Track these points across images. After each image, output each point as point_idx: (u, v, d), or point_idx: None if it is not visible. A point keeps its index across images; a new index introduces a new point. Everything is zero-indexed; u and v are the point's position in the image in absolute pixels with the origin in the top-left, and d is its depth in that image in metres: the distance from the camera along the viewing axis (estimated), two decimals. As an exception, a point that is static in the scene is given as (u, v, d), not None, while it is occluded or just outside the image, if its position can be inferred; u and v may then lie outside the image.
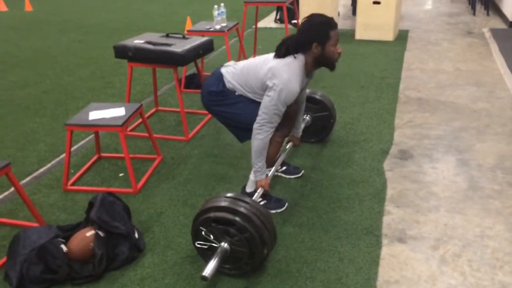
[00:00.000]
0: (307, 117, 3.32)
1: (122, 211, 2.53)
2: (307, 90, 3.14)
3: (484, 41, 5.93)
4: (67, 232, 2.47)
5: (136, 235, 2.48)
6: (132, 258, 2.39)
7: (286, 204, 2.78)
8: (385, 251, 2.40)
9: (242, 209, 2.12)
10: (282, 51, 2.45)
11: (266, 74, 2.43)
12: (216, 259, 2.11)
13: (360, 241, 2.47)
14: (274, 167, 2.75)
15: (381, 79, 4.79)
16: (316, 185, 3.00)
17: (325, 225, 2.62)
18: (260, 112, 2.45)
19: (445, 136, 3.55)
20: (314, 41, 2.39)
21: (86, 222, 2.49)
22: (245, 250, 2.15)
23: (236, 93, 2.59)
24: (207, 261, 2.15)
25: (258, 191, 2.57)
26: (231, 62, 2.68)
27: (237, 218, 2.11)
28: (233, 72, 2.59)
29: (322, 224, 2.63)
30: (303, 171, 3.13)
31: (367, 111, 4.05)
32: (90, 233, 2.35)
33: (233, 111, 2.60)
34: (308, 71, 2.53)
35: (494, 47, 5.59)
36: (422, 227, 2.56)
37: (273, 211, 2.72)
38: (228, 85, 2.58)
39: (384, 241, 2.47)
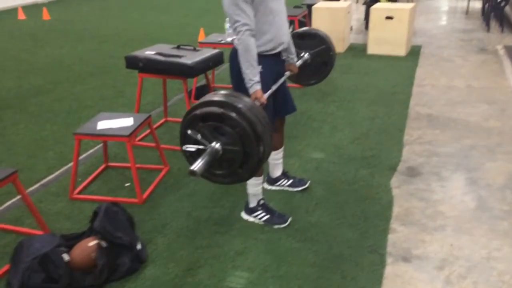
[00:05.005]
0: (305, 55, 3.18)
1: (125, 222, 2.53)
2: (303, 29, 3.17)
3: (497, 58, 5.88)
4: (71, 241, 2.48)
5: (139, 246, 2.48)
6: (133, 269, 2.38)
7: (290, 219, 2.75)
8: (389, 270, 2.36)
9: (231, 101, 1.93)
10: None
11: None
12: (206, 157, 1.91)
13: (364, 259, 2.44)
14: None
15: (392, 95, 4.76)
16: (321, 200, 2.98)
17: (329, 241, 2.59)
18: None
19: (454, 154, 3.51)
20: None
21: (90, 232, 2.50)
22: (238, 148, 1.94)
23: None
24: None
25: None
26: None
27: (226, 111, 1.91)
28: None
29: (325, 240, 2.60)
30: (309, 181, 3.10)
31: (376, 127, 4.02)
32: (92, 243, 2.35)
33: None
34: None
35: (507, 65, 5.54)
36: (427, 247, 2.52)
37: (276, 226, 2.70)
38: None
39: (389, 260, 2.43)
